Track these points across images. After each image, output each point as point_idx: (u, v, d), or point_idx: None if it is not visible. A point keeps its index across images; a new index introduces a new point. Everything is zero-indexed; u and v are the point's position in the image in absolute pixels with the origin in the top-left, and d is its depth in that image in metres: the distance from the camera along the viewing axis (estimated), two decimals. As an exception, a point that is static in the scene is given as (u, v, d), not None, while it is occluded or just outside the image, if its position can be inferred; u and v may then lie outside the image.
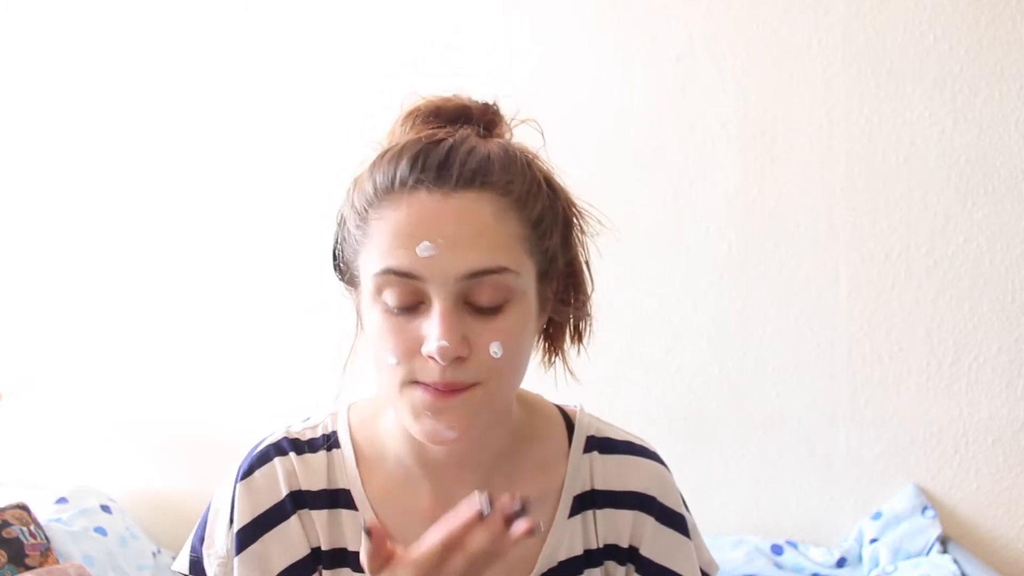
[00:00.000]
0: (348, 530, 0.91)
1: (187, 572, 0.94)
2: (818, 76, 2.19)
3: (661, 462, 0.97)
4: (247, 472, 0.92)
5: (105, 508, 2.22)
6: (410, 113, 0.89)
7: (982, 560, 2.09)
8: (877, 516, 2.17)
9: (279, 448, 0.93)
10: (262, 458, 0.92)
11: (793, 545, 2.18)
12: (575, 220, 0.88)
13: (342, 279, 0.90)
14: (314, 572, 0.91)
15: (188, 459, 2.42)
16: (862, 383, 2.21)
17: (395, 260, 0.79)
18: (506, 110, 0.91)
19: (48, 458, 2.46)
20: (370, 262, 0.82)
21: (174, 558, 2.59)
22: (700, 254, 2.23)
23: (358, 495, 0.92)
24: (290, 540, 0.90)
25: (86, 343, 2.46)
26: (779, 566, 2.13)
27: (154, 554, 2.23)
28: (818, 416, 2.22)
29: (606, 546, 0.93)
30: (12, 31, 2.46)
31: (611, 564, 0.94)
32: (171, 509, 2.40)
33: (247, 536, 0.90)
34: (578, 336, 0.92)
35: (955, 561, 2.01)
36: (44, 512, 2.08)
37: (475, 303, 0.80)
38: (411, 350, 0.80)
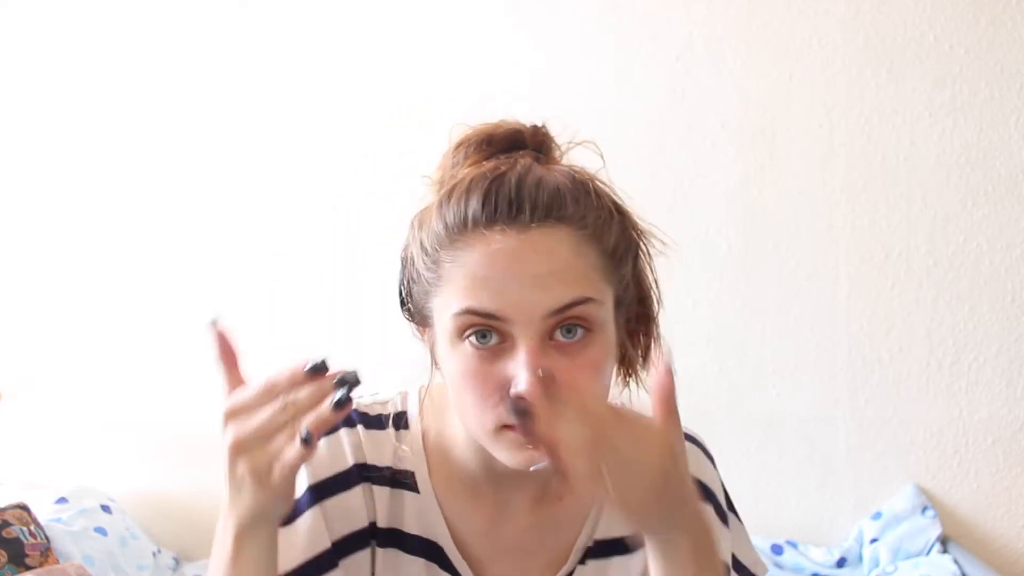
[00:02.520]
0: (408, 512, 0.91)
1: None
2: (818, 76, 2.19)
3: (694, 441, 1.00)
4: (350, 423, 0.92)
5: (105, 508, 2.22)
6: (460, 143, 0.88)
7: (982, 560, 2.09)
8: (877, 516, 2.17)
9: (347, 419, 0.92)
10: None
11: (793, 545, 2.18)
12: (641, 242, 0.88)
13: (411, 320, 0.89)
14: (368, 546, 0.91)
15: (188, 459, 2.42)
16: (862, 383, 2.21)
17: (476, 301, 0.78)
18: (556, 130, 0.91)
19: (48, 458, 2.46)
20: (448, 304, 0.80)
21: (175, 558, 2.60)
22: (700, 254, 2.23)
23: (422, 479, 0.92)
24: (351, 509, 0.90)
25: (86, 343, 2.46)
26: (779, 566, 2.13)
27: (154, 554, 2.23)
28: (818, 416, 2.22)
29: None
30: (12, 31, 2.46)
31: None
32: (171, 509, 2.40)
33: (304, 501, 0.89)
34: (646, 356, 0.92)
35: (955, 561, 2.02)
36: (44, 512, 2.08)
37: (559, 339, 0.79)
38: (499, 393, 0.79)
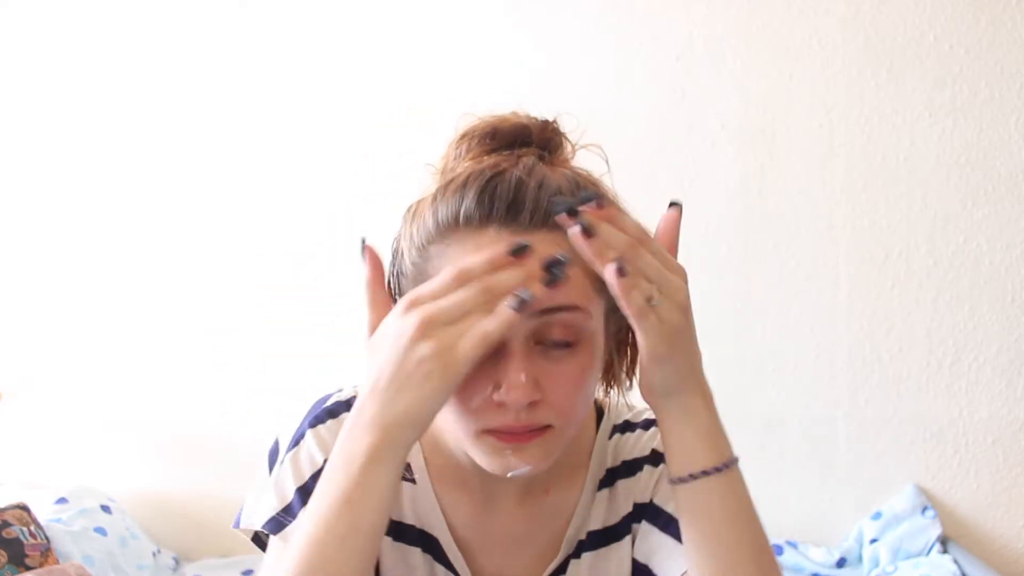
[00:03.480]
0: (406, 502, 0.92)
1: (269, 532, 0.88)
2: (818, 76, 2.19)
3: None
4: (316, 421, 0.91)
5: (105, 508, 2.22)
6: (465, 134, 0.85)
7: (982, 560, 2.09)
8: (877, 516, 2.17)
9: (349, 406, 0.91)
10: (331, 413, 0.91)
11: (793, 545, 2.18)
12: None
13: None
14: None
15: (188, 459, 2.42)
16: (862, 383, 2.21)
17: None
18: (567, 127, 0.88)
19: (48, 458, 2.46)
20: None
21: (175, 558, 2.59)
22: (700, 254, 2.23)
23: (418, 468, 0.92)
24: None
25: (86, 343, 2.46)
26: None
27: (154, 554, 2.23)
28: (818, 416, 2.22)
29: (634, 507, 0.94)
30: (12, 31, 2.46)
31: (636, 526, 0.94)
32: (171, 509, 2.40)
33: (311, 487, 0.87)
34: (632, 369, 0.91)
35: (955, 561, 2.01)
36: (44, 512, 2.08)
37: (546, 343, 0.77)
38: (482, 396, 0.77)
